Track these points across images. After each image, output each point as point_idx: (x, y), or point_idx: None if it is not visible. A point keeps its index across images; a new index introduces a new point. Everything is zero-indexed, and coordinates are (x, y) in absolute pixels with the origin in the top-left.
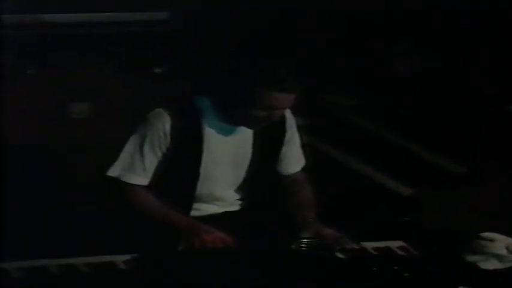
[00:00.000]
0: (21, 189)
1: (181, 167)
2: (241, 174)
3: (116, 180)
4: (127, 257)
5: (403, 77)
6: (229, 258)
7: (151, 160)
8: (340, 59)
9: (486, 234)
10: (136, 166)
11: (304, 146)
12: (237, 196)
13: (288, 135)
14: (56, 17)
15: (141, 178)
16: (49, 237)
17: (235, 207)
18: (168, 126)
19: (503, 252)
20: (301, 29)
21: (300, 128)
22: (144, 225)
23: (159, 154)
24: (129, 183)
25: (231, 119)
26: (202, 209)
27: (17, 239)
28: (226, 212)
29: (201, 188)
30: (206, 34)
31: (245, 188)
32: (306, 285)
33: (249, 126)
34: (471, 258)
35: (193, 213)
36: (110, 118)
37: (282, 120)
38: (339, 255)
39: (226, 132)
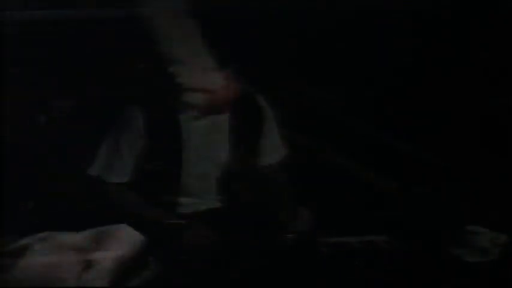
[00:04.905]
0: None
1: (163, 160)
2: (221, 164)
3: (96, 179)
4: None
5: (388, 72)
6: (214, 254)
7: (128, 157)
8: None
9: (471, 227)
10: (114, 165)
11: (286, 140)
12: (220, 188)
13: (265, 124)
14: (38, 14)
15: (119, 177)
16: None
17: (219, 201)
18: (140, 122)
19: (488, 245)
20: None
21: (282, 122)
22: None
23: (136, 151)
24: (108, 182)
25: (195, 108)
26: (187, 204)
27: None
28: (210, 207)
29: (185, 179)
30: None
31: (227, 180)
32: (288, 279)
33: (212, 113)
34: (456, 251)
35: (178, 209)
36: (92, 115)
37: (257, 108)
38: (322, 249)
39: (201, 122)
